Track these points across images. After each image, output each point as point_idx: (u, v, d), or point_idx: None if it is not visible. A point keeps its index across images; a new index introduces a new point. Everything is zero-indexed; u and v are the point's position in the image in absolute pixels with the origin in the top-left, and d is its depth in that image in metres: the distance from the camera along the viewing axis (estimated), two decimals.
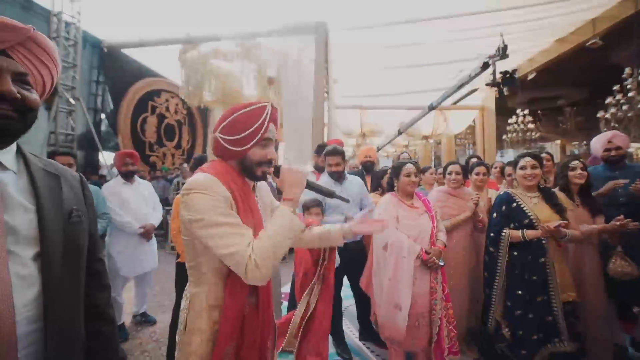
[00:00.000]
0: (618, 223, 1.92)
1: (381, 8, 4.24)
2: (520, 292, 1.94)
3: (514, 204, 2.05)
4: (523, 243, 1.96)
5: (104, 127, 7.74)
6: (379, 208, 2.16)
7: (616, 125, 6.38)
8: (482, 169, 2.66)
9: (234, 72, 6.38)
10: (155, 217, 2.92)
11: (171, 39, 5.73)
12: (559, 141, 12.19)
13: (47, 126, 4.97)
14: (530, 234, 1.94)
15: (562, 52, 5.69)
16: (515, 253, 2.00)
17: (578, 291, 2.01)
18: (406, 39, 4.93)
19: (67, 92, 5.20)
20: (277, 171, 1.05)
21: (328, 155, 2.45)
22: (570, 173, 2.23)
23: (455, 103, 8.60)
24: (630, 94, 6.10)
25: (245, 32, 5.40)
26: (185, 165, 8.38)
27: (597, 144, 2.61)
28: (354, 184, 2.51)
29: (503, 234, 2.01)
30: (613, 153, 2.52)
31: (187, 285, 1.05)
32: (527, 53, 6.29)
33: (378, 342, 2.47)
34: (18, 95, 0.65)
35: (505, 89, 3.70)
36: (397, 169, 2.17)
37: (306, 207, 2.15)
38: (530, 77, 6.66)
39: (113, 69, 7.01)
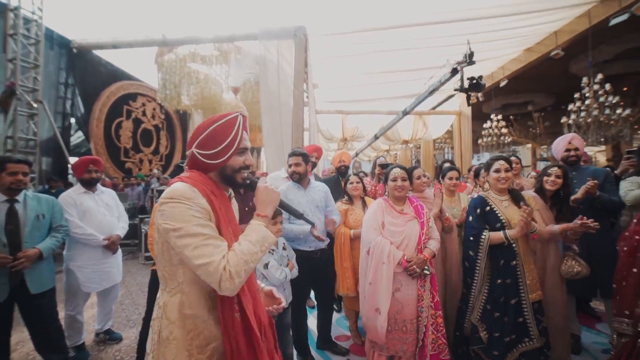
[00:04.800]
0: (579, 222, 1.92)
1: (358, 15, 4.21)
2: (496, 295, 1.97)
3: (488, 207, 2.07)
4: (495, 247, 1.98)
5: (73, 132, 7.32)
6: (368, 212, 2.13)
7: (576, 130, 6.77)
8: (454, 173, 2.62)
9: (213, 76, 6.22)
10: (120, 227, 2.70)
11: (147, 40, 5.47)
12: (529, 145, 12.64)
13: (2, 130, 4.56)
14: (512, 233, 1.93)
15: (530, 60, 5.98)
16: (489, 258, 2.01)
17: (542, 289, 2.10)
18: (382, 46, 4.93)
19: (27, 95, 4.82)
20: (252, 186, 1.09)
21: (289, 156, 2.42)
22: (545, 178, 2.29)
23: (434, 108, 8.75)
24: (587, 102, 6.52)
25: (223, 35, 5.23)
26: (156, 171, 8.07)
27: (559, 145, 2.69)
28: (317, 190, 2.47)
29: (483, 236, 2.00)
30: (572, 154, 2.60)
31: (159, 293, 1.05)
32: (499, 60, 6.47)
33: (336, 352, 2.52)
34: None
35: (472, 95, 3.77)
36: (386, 174, 2.16)
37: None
38: (502, 84, 6.87)
39: (84, 70, 6.65)
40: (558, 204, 2.27)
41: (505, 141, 9.84)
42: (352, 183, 2.73)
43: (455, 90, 3.93)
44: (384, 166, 3.15)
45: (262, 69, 4.81)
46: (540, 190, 2.30)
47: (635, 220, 1.81)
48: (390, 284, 1.90)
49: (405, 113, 5.96)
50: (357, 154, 10.88)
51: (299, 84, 4.72)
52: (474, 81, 3.72)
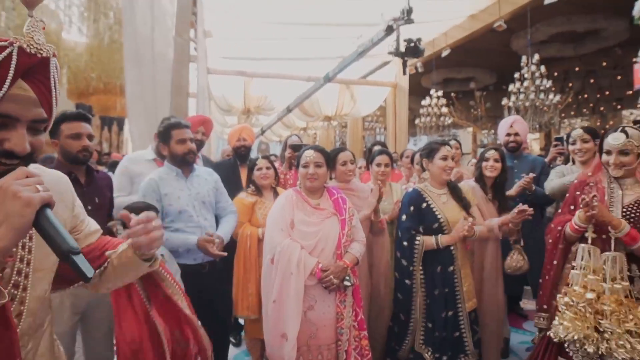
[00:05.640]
0: (516, 211, 2.29)
1: None
2: (435, 309, 2.21)
3: (424, 204, 2.31)
4: (432, 252, 2.23)
5: None
6: (274, 208, 2.16)
7: (516, 114, 8.13)
8: (384, 158, 2.80)
9: (47, 4, 5.50)
10: None
11: None
12: (470, 129, 14.60)
13: None
14: (445, 240, 2.19)
15: (473, 29, 6.94)
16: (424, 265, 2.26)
17: (478, 294, 2.45)
18: None
19: None
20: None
21: (174, 129, 2.26)
22: (483, 164, 2.66)
23: (364, 77, 9.26)
24: (525, 84, 7.92)
25: None
26: None
27: (502, 128, 3.21)
28: (203, 180, 2.41)
29: (417, 242, 2.22)
30: (512, 139, 3.12)
31: None
32: (442, 25, 7.23)
33: None
34: None
35: (410, 63, 4.11)
36: (297, 158, 2.19)
37: (133, 212, 1.93)
38: (444, 53, 7.72)
39: None
40: (499, 193, 2.66)
41: (446, 123, 11.15)
42: (260, 169, 2.75)
43: (390, 53, 4.24)
44: (296, 147, 3.23)
45: (128, 2, 4.41)
46: (480, 178, 2.67)
47: (559, 211, 2.28)
48: (301, 300, 1.94)
49: (328, 79, 6.19)
50: (262, 132, 10.86)
51: (184, 29, 4.50)
52: (412, 44, 4.06)
